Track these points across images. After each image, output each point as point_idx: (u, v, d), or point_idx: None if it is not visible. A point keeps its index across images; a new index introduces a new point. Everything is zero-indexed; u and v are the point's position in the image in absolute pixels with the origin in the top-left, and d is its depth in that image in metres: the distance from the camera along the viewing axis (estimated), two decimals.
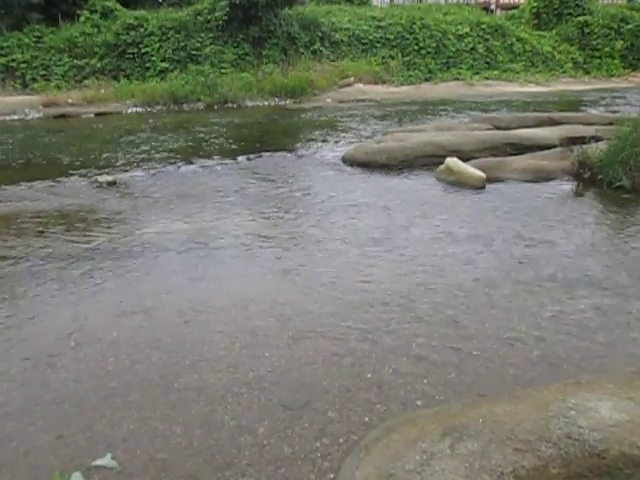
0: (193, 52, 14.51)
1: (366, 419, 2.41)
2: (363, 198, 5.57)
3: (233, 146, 8.25)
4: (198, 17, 14.78)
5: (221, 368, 2.79)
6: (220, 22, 14.63)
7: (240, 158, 7.16)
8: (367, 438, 2.20)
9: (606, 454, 1.96)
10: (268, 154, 7.38)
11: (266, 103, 13.43)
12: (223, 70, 14.35)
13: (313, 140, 8.63)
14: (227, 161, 7.06)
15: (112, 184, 6.04)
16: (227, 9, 14.39)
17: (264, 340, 3.05)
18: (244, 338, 3.07)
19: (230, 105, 12.87)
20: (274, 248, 4.36)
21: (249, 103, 13.21)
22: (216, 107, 12.69)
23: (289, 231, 4.72)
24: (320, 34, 15.95)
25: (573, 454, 1.96)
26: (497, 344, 3.00)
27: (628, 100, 13.27)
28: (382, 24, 16.93)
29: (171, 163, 6.99)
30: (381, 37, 16.74)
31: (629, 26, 19.25)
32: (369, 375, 2.73)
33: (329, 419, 2.42)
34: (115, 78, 13.84)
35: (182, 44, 14.49)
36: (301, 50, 15.57)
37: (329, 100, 13.76)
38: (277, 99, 13.66)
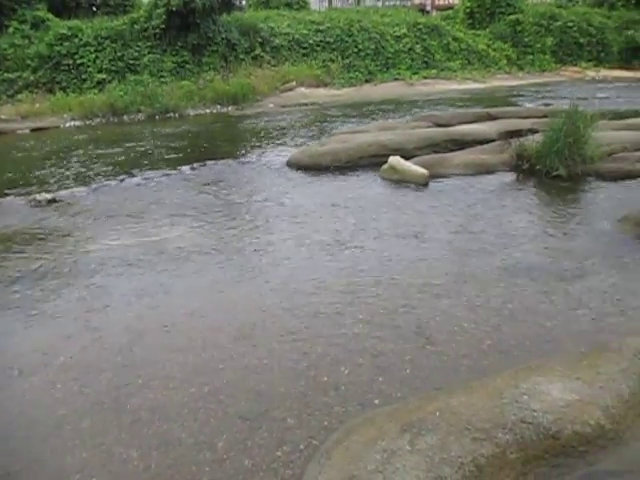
0: (131, 62, 14.14)
1: (325, 423, 2.40)
2: (309, 201, 5.57)
3: (176, 156, 8.08)
4: (135, 26, 14.43)
5: (175, 385, 2.72)
6: (157, 30, 14.33)
7: (184, 168, 7.03)
8: (327, 442, 2.19)
9: (560, 434, 2.02)
10: (212, 162, 7.27)
11: (208, 111, 13.25)
12: (163, 79, 14.06)
13: (257, 146, 8.57)
14: (170, 172, 6.92)
15: (52, 202, 5.80)
16: (164, 17, 14.11)
17: (217, 352, 2.99)
18: (196, 351, 3.01)
19: (172, 115, 12.63)
20: (221, 258, 4.30)
21: (191, 112, 12.99)
22: (157, 117, 12.41)
23: (236, 240, 4.66)
24: (260, 39, 15.87)
25: (529, 438, 2.02)
26: (449, 337, 3.05)
27: (560, 93, 13.85)
28: (321, 28, 17.03)
29: (113, 177, 6.79)
30: (321, 41, 16.83)
31: (558, 23, 20.10)
32: (325, 378, 2.72)
33: (288, 426, 2.39)
34: (50, 91, 13.30)
35: (119, 54, 14.10)
36: (241, 56, 15.44)
37: (272, 105, 13.72)
38: (219, 106, 13.50)
